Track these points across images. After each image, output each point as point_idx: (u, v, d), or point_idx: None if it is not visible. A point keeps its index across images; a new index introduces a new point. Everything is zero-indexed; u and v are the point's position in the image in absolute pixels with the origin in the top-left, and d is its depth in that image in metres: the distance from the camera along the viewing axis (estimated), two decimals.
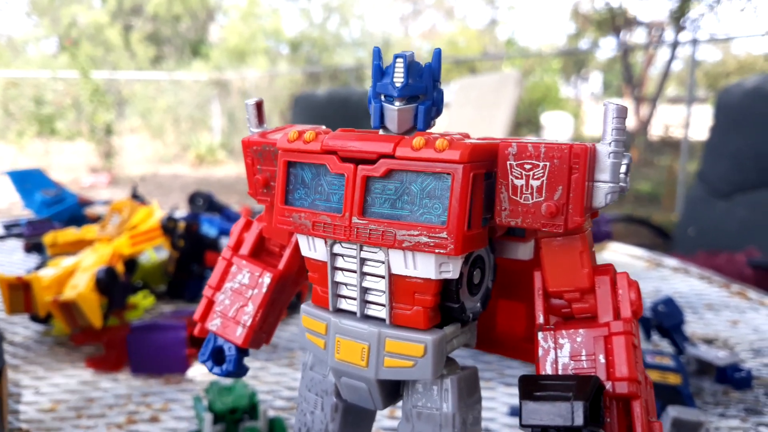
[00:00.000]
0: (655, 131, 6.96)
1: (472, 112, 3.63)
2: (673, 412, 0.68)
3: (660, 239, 3.38)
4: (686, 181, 4.43)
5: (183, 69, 9.51)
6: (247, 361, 0.94)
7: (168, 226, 1.14)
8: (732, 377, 0.88)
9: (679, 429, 0.67)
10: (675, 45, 6.75)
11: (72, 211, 1.40)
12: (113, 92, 8.21)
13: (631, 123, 6.91)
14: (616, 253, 1.63)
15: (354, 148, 0.39)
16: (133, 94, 8.64)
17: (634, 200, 5.29)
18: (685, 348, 0.92)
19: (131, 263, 1.14)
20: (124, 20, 10.26)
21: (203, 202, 1.32)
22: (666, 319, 0.93)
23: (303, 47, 10.85)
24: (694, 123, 4.65)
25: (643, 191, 5.48)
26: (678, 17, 6.78)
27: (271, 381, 0.89)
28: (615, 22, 7.57)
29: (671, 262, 1.56)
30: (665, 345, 0.98)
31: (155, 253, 1.26)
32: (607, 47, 8.63)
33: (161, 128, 8.61)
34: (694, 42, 4.86)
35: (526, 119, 7.55)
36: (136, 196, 1.42)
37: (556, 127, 7.27)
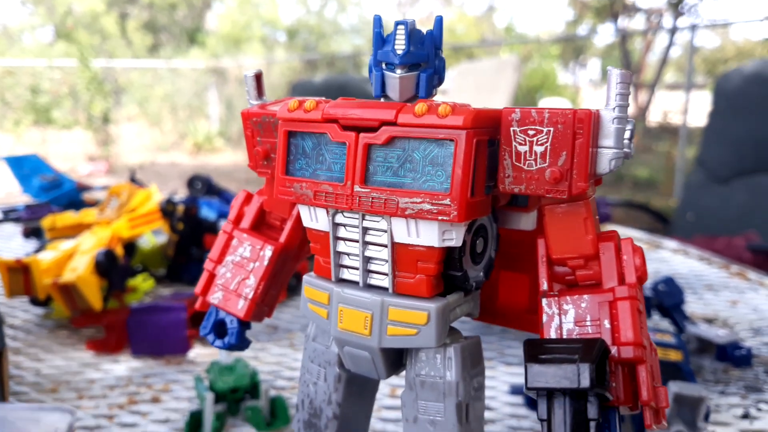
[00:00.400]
0: (654, 117, 6.95)
1: (471, 97, 3.62)
2: (674, 387, 0.68)
3: (659, 224, 3.39)
4: (685, 166, 4.42)
5: (180, 57, 9.46)
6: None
7: (167, 209, 1.14)
8: (732, 355, 0.88)
9: (681, 404, 0.67)
10: (673, 31, 6.73)
11: (70, 196, 1.39)
12: (110, 81, 8.17)
13: (629, 109, 6.91)
14: None
15: (355, 116, 0.39)
16: (130, 83, 8.60)
17: (633, 186, 5.29)
18: (685, 327, 0.92)
19: (130, 246, 1.13)
20: (120, 8, 10.19)
21: (202, 186, 1.32)
22: (666, 298, 0.93)
23: (300, 34, 10.80)
24: (692, 109, 4.64)
25: (641, 177, 5.48)
26: (676, 3, 6.76)
27: (271, 362, 0.89)
28: (613, 8, 7.54)
29: (671, 243, 1.56)
30: (666, 324, 0.98)
31: (154, 237, 1.25)
32: (606, 33, 8.60)
33: (158, 116, 8.57)
34: (693, 28, 4.84)
35: (524, 105, 7.52)
36: (134, 181, 1.42)
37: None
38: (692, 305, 1.12)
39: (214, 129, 8.46)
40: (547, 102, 7.56)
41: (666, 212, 3.61)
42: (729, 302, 1.15)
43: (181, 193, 1.47)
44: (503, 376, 0.85)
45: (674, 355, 0.76)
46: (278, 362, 0.89)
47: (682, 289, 0.94)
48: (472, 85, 3.64)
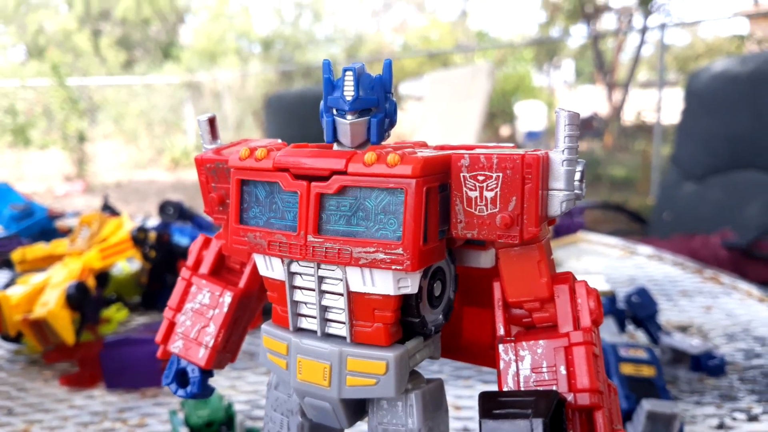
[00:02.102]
0: (628, 116, 7.02)
1: (446, 105, 3.63)
2: (647, 405, 0.68)
3: (636, 224, 3.41)
4: (660, 165, 4.46)
5: (155, 72, 9.41)
6: (225, 370, 0.94)
7: (138, 238, 1.13)
8: (706, 365, 0.89)
9: (654, 422, 0.67)
10: (644, 30, 6.80)
11: (42, 225, 1.38)
12: (84, 99, 8.10)
13: (604, 109, 6.96)
14: (591, 243, 1.64)
15: (306, 165, 0.39)
16: (105, 100, 8.53)
17: (610, 186, 5.33)
18: (659, 338, 0.92)
19: (103, 276, 1.12)
20: (92, 25, 10.13)
21: (174, 211, 1.30)
22: (640, 310, 0.94)
23: (275, 46, 10.78)
24: (666, 107, 4.69)
25: (618, 177, 5.52)
26: (646, 2, 6.83)
27: (248, 390, 0.88)
28: (585, 9, 7.61)
29: (646, 249, 1.57)
30: (640, 335, 0.99)
31: (128, 265, 1.24)
32: (578, 35, 8.68)
33: (135, 133, 8.52)
34: (663, 26, 4.89)
35: (500, 110, 7.56)
36: (107, 207, 1.40)
37: (530, 117, 7.30)
38: (667, 312, 1.13)
39: (191, 143, 8.42)
40: (522, 106, 7.60)
41: (643, 212, 3.64)
42: (703, 308, 1.16)
43: (155, 215, 1.46)
44: None
45: (647, 371, 0.76)
46: (255, 390, 0.88)
47: (655, 300, 0.94)
48: (447, 93, 3.65)
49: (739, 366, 0.92)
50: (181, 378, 0.48)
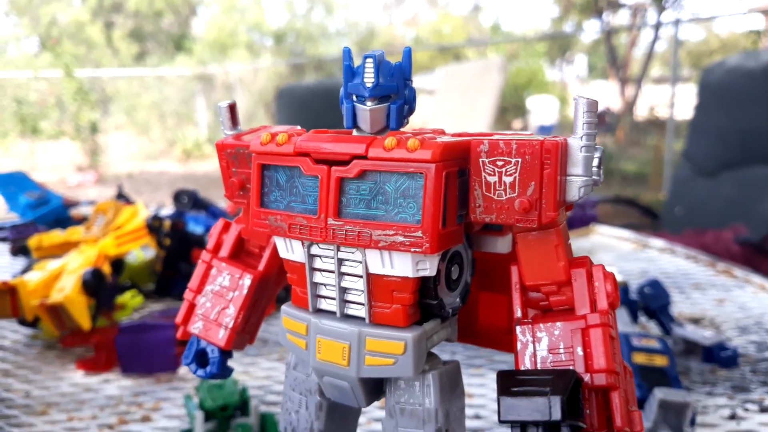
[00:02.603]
0: (641, 112, 6.98)
1: (458, 98, 3.63)
2: (659, 393, 0.68)
3: (648, 219, 3.40)
4: (673, 160, 4.44)
5: (167, 64, 9.44)
6: (238, 356, 0.95)
7: (153, 226, 1.14)
8: (718, 356, 0.89)
9: (666, 410, 0.68)
10: (658, 25, 6.75)
11: (57, 213, 1.39)
12: (97, 90, 8.14)
13: (616, 104, 6.93)
14: (603, 236, 1.64)
15: (326, 150, 0.39)
16: (117, 92, 8.57)
17: (622, 180, 5.31)
18: (671, 329, 0.92)
19: (118, 263, 1.13)
20: (105, 17, 10.16)
21: (188, 200, 1.31)
22: (652, 301, 0.94)
23: (287, 39, 10.79)
24: (679, 102, 4.67)
25: (630, 171, 5.50)
26: None
27: (261, 376, 0.89)
28: (598, 4, 7.56)
29: (658, 242, 1.57)
30: (652, 326, 0.99)
31: (142, 253, 1.25)
32: (591, 30, 8.64)
33: (147, 125, 8.55)
34: (677, 22, 4.86)
35: (512, 104, 7.54)
36: (121, 196, 1.41)
37: (542, 111, 7.27)
38: (680, 305, 1.13)
39: (203, 136, 8.45)
40: (534, 100, 7.57)
41: (655, 206, 3.63)
42: (716, 301, 1.16)
43: (168, 206, 1.47)
44: (492, 384, 0.85)
45: (660, 361, 0.76)
46: (268, 376, 0.89)
47: (668, 292, 0.95)
48: (459, 87, 3.65)
49: (752, 358, 0.92)
50: (201, 358, 0.49)
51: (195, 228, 1.24)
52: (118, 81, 8.69)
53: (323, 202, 0.39)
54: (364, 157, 0.38)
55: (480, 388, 0.84)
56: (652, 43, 7.03)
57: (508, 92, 6.84)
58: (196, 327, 0.49)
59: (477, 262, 0.45)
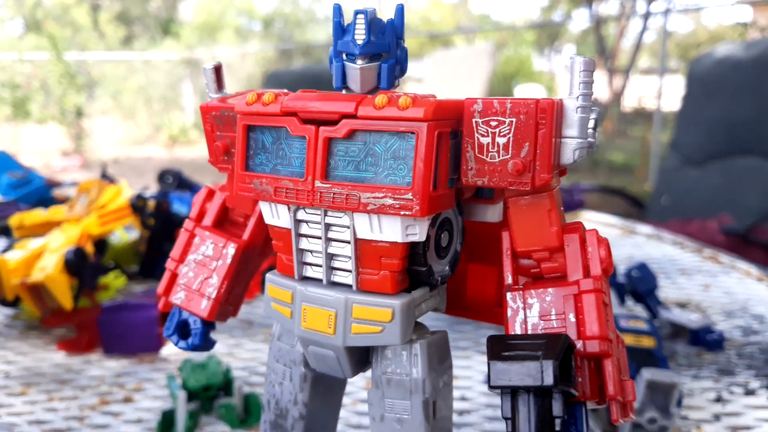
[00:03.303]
0: (629, 102, 6.99)
1: (447, 85, 3.62)
2: (647, 374, 0.68)
3: (634, 209, 3.41)
4: (659, 151, 4.46)
5: (154, 48, 9.33)
6: (222, 338, 0.94)
7: (137, 205, 1.12)
8: (705, 339, 0.89)
9: (654, 391, 0.67)
10: (647, 16, 6.76)
11: (40, 193, 1.38)
12: (83, 74, 8.04)
13: (604, 94, 6.94)
14: (590, 222, 1.63)
15: (314, 109, 0.38)
16: (104, 76, 8.47)
17: (609, 171, 5.32)
18: (658, 312, 0.92)
19: (101, 243, 1.11)
20: (91, 0, 10.03)
21: (173, 180, 1.30)
22: (640, 284, 0.94)
23: (275, 24, 10.70)
24: (666, 93, 4.68)
25: (617, 162, 5.52)
26: None
27: (246, 357, 0.88)
28: None
29: (645, 228, 1.57)
30: (639, 310, 0.99)
31: (126, 233, 1.23)
32: (580, 19, 8.63)
33: (133, 109, 8.46)
34: (666, 12, 4.87)
35: (500, 92, 7.53)
36: (105, 176, 1.39)
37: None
38: (666, 290, 1.13)
39: (189, 121, 8.37)
40: (522, 89, 7.57)
41: (641, 197, 3.64)
42: (702, 286, 1.16)
43: (153, 189, 1.46)
44: (479, 366, 0.85)
45: (647, 342, 0.76)
46: (253, 357, 0.88)
47: (655, 275, 0.94)
48: (448, 74, 3.64)
49: (737, 342, 0.92)
50: (183, 330, 0.47)
51: (179, 208, 1.22)
52: (104, 65, 8.59)
53: (310, 163, 0.38)
54: (353, 117, 0.37)
55: (466, 370, 0.83)
56: (641, 33, 7.04)
57: (496, 81, 6.83)
58: (177, 297, 0.47)
59: (466, 233, 0.44)
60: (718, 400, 0.76)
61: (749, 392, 0.78)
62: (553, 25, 8.94)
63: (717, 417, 0.73)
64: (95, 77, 8.36)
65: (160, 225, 1.17)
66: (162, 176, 1.31)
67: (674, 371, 0.82)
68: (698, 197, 2.96)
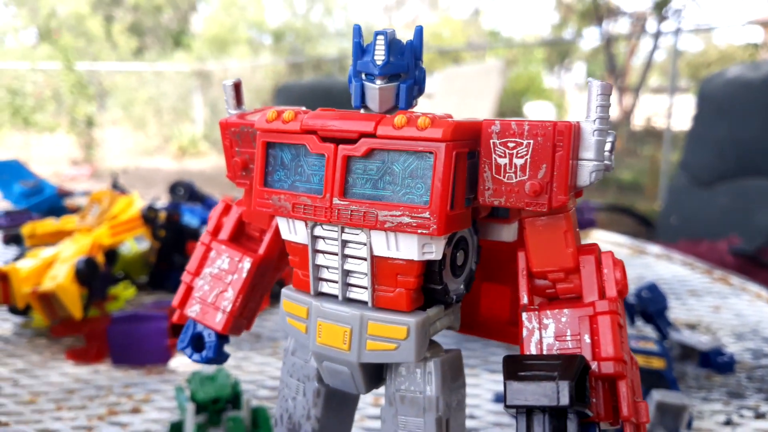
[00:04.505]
0: (638, 121, 6.99)
1: (456, 101, 3.63)
2: (657, 395, 0.68)
3: (643, 228, 3.40)
4: (669, 170, 4.45)
5: (165, 60, 9.41)
6: (231, 351, 0.94)
7: (149, 216, 1.13)
8: (715, 361, 0.88)
9: (664, 412, 0.67)
10: (657, 35, 6.78)
11: (51, 202, 1.38)
12: (94, 84, 8.11)
13: (614, 113, 6.94)
14: (600, 241, 1.63)
15: (334, 128, 0.38)
16: (115, 86, 8.53)
17: (617, 189, 5.31)
18: (668, 333, 0.92)
19: (111, 254, 1.12)
20: (105, 11, 10.13)
21: (184, 192, 1.30)
22: (650, 305, 0.93)
23: (286, 37, 10.77)
24: (676, 113, 4.67)
25: (626, 181, 5.51)
26: (660, 7, 6.80)
27: (254, 371, 0.88)
28: (598, 12, 7.58)
29: (654, 249, 1.57)
30: (649, 330, 0.98)
31: (136, 244, 1.24)
32: (591, 37, 8.65)
33: (143, 120, 8.52)
34: (677, 32, 4.88)
35: (509, 109, 7.54)
36: (116, 187, 1.40)
37: (539, 118, 7.25)
38: (676, 311, 1.13)
39: (199, 132, 8.42)
40: (532, 106, 7.59)
41: (650, 216, 3.63)
42: (712, 308, 1.16)
43: (164, 200, 1.46)
44: (487, 384, 0.85)
45: (657, 363, 0.76)
46: (261, 371, 0.88)
47: (665, 296, 0.94)
48: (458, 90, 3.65)
49: (747, 365, 0.92)
50: (197, 342, 0.48)
51: (190, 220, 1.23)
52: (115, 75, 8.66)
53: (329, 181, 0.38)
54: (372, 135, 0.37)
55: (474, 388, 0.83)
56: (651, 52, 7.05)
57: (506, 97, 6.84)
58: (193, 310, 0.48)
59: (481, 252, 0.44)
60: (728, 423, 0.76)
61: (759, 416, 0.78)
62: (563, 42, 8.96)
63: None
64: (107, 87, 8.42)
65: (171, 237, 1.17)
66: (173, 188, 1.32)
67: (684, 393, 0.81)
68: (707, 217, 2.95)
